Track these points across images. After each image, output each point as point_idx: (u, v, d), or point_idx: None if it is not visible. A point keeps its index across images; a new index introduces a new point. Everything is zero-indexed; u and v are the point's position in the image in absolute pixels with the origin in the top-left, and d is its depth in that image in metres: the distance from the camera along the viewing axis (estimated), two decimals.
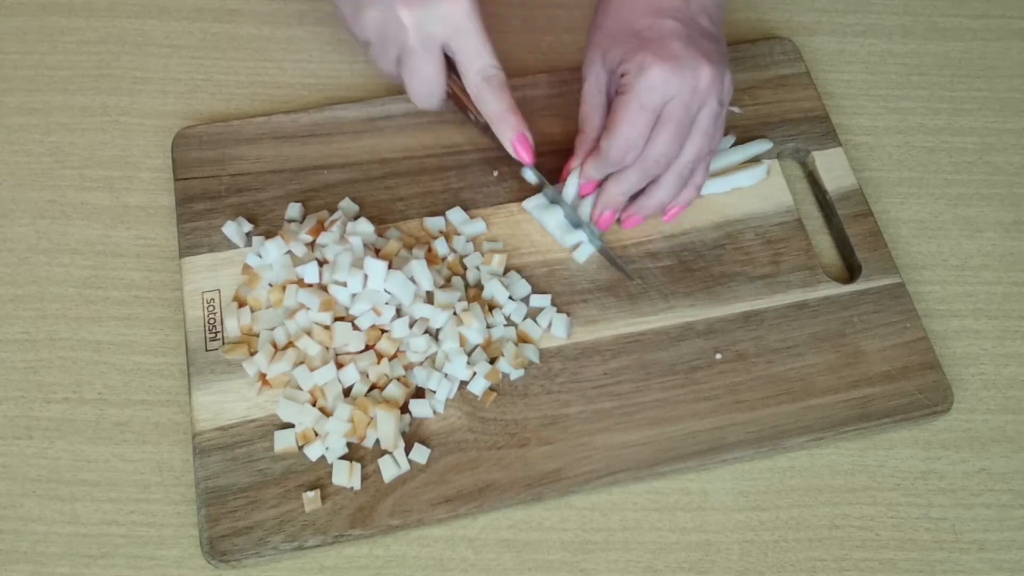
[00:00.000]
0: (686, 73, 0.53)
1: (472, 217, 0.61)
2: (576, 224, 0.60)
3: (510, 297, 0.57)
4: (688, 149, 0.56)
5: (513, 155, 0.58)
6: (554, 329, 0.57)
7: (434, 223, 0.60)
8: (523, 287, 0.58)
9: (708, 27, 0.56)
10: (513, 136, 0.57)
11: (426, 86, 0.57)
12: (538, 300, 0.58)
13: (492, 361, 0.56)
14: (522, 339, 0.57)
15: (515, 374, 0.56)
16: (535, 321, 0.57)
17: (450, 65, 0.57)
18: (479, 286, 0.58)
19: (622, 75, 0.55)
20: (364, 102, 0.65)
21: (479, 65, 0.56)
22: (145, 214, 0.62)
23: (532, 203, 0.61)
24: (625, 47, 0.55)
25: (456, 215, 0.60)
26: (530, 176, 0.60)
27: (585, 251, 0.60)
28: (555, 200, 0.60)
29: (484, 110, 0.57)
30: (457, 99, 0.59)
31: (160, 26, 0.70)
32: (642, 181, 0.57)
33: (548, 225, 0.60)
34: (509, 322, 0.57)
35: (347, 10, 0.57)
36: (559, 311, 0.58)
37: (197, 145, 0.63)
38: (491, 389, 0.55)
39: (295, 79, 0.68)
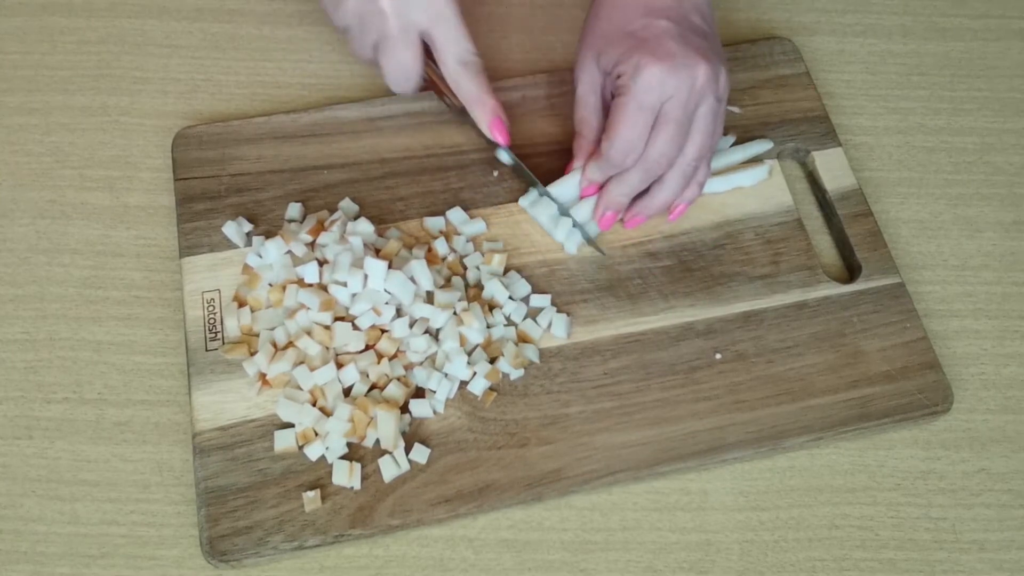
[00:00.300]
0: (682, 72, 0.53)
1: (472, 217, 0.61)
2: (566, 212, 0.60)
3: (510, 297, 0.57)
4: (689, 148, 0.56)
5: (489, 136, 0.60)
6: (554, 329, 0.57)
7: (434, 223, 0.60)
8: (523, 287, 0.58)
9: (701, 24, 0.56)
10: (490, 118, 0.59)
11: (403, 71, 0.58)
12: (538, 300, 0.58)
13: (492, 361, 0.56)
14: (522, 339, 0.57)
15: (515, 374, 0.56)
16: (535, 321, 0.57)
17: (426, 51, 0.59)
18: (479, 286, 0.58)
19: (618, 76, 0.55)
20: (364, 102, 0.65)
21: (457, 51, 0.57)
22: (145, 214, 0.62)
23: (526, 199, 0.61)
24: (620, 48, 0.55)
25: (456, 215, 0.60)
26: (505, 157, 0.61)
27: (574, 242, 0.60)
28: (544, 194, 0.61)
29: (461, 94, 0.59)
30: (433, 84, 0.61)
31: (160, 26, 0.70)
32: (644, 182, 0.57)
33: (540, 219, 0.60)
34: (509, 322, 0.57)
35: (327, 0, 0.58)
36: (559, 311, 0.58)
37: (197, 145, 0.63)
38: (491, 389, 0.55)
39: (295, 79, 0.68)
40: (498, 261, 0.59)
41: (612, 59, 0.55)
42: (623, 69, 0.54)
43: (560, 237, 0.60)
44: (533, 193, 0.61)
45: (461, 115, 0.61)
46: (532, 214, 0.61)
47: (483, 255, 0.59)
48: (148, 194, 0.63)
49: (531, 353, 0.56)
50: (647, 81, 0.53)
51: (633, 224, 0.60)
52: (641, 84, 0.53)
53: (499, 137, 0.59)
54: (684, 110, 0.54)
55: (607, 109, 0.59)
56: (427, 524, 0.52)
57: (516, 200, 0.62)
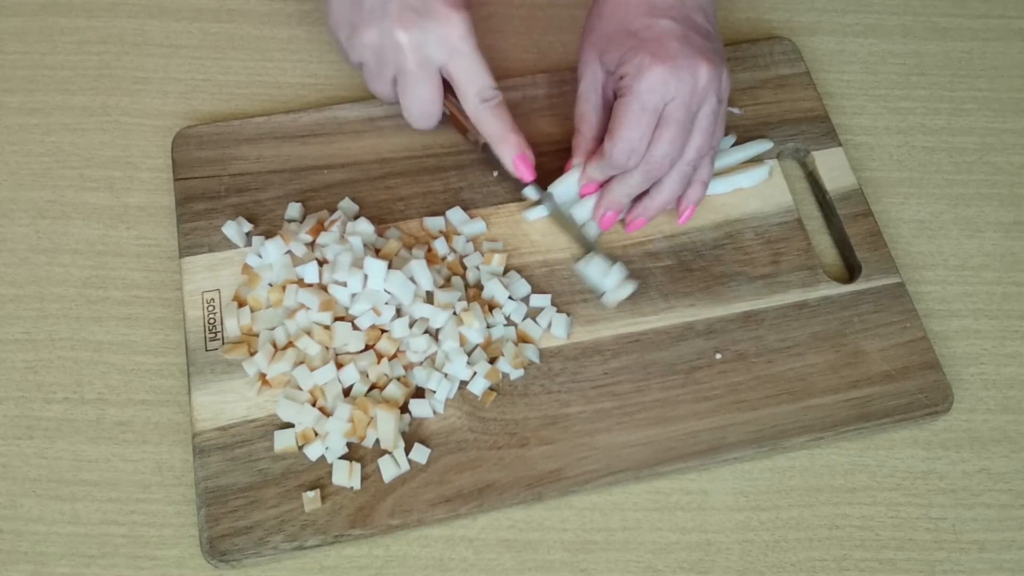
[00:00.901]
0: (684, 73, 0.53)
1: (472, 217, 0.61)
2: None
3: (510, 297, 0.57)
4: (690, 148, 0.56)
5: (514, 174, 0.59)
6: (554, 329, 0.57)
7: (434, 223, 0.60)
8: (523, 287, 0.58)
9: (703, 24, 0.56)
10: (515, 155, 0.58)
11: (423, 107, 0.58)
12: (538, 300, 0.58)
13: (492, 361, 0.56)
14: (522, 339, 0.57)
15: (515, 374, 0.56)
16: (535, 321, 0.57)
17: (446, 86, 0.58)
18: (479, 286, 0.58)
19: (621, 77, 0.55)
20: (364, 102, 0.65)
21: (477, 87, 0.57)
22: (145, 214, 0.62)
23: (582, 263, 0.59)
24: (623, 48, 0.55)
25: (456, 215, 0.60)
26: (531, 193, 0.60)
27: (623, 291, 0.58)
28: (553, 209, 0.60)
29: (484, 131, 0.58)
30: (455, 119, 0.60)
31: (160, 26, 0.70)
32: (645, 183, 0.57)
33: (591, 276, 0.59)
34: (509, 322, 0.57)
35: (342, 32, 0.57)
36: (559, 311, 0.58)
37: (197, 145, 0.63)
38: (491, 389, 0.55)
39: (295, 79, 0.68)
40: (498, 261, 0.59)
41: (615, 58, 0.55)
42: (626, 70, 0.54)
43: (609, 289, 0.58)
44: (590, 256, 0.59)
45: (485, 150, 0.60)
46: (584, 274, 0.59)
47: (483, 255, 0.59)
48: (148, 194, 0.63)
49: (531, 353, 0.56)
50: (650, 82, 0.53)
51: (635, 227, 0.60)
52: (644, 85, 0.53)
53: (525, 174, 0.59)
54: (687, 111, 0.54)
55: (608, 107, 0.59)
56: (427, 524, 0.52)
57: (516, 200, 0.62)
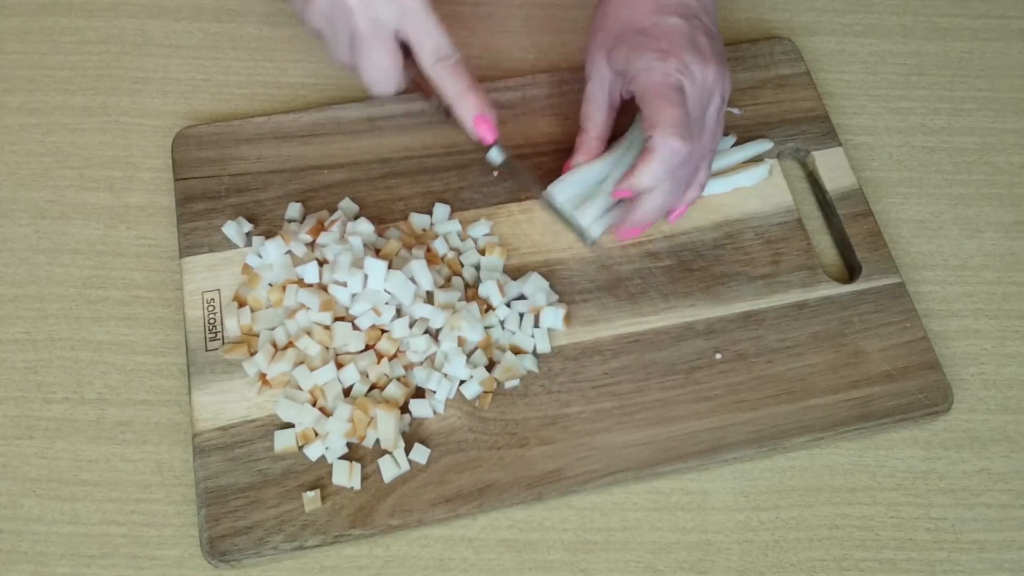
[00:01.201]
0: (694, 70, 0.53)
1: (475, 218, 0.61)
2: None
3: (507, 304, 0.57)
4: (694, 148, 0.56)
5: (474, 135, 0.57)
6: (538, 344, 0.57)
7: (419, 220, 0.60)
8: (518, 288, 0.58)
9: (708, 25, 0.56)
10: (473, 115, 0.56)
11: (380, 72, 0.55)
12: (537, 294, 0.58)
13: (491, 363, 0.56)
14: (516, 351, 0.57)
15: (510, 383, 0.55)
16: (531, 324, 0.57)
17: (408, 51, 0.56)
18: (478, 284, 0.58)
19: (631, 81, 0.55)
20: (364, 102, 0.65)
21: (432, 45, 0.55)
22: (145, 214, 0.62)
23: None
24: (630, 46, 0.55)
25: (440, 211, 0.60)
26: (496, 156, 0.58)
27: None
28: (541, 197, 0.59)
29: (442, 92, 0.56)
30: (417, 84, 0.58)
31: (160, 26, 0.70)
32: (677, 189, 0.56)
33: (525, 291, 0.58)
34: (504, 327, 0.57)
35: (297, 2, 0.56)
36: (556, 304, 0.58)
37: (197, 145, 0.63)
38: (488, 391, 0.55)
39: (295, 79, 0.68)
40: (499, 254, 0.58)
41: (622, 57, 0.55)
42: (636, 67, 0.54)
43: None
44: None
45: (448, 115, 0.58)
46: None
47: (479, 250, 0.59)
48: (148, 194, 0.63)
49: (528, 362, 0.56)
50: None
51: (636, 231, 0.60)
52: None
53: (485, 134, 0.56)
54: (700, 108, 0.54)
55: (615, 108, 0.59)
56: (427, 524, 0.52)
57: (516, 200, 0.62)
